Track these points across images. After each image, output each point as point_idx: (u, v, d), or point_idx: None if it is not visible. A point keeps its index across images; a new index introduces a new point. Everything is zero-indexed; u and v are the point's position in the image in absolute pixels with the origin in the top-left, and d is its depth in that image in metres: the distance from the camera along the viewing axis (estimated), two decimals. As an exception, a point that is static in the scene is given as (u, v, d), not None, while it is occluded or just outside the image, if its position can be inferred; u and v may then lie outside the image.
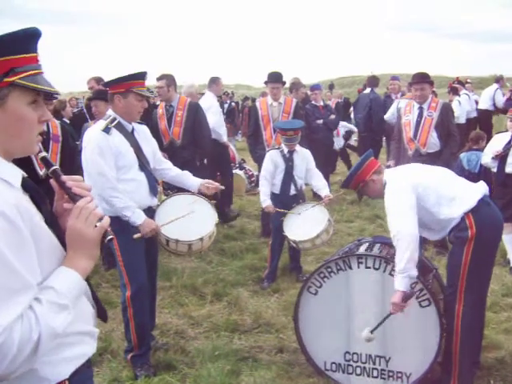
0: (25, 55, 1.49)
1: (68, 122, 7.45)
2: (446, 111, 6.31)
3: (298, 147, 5.78)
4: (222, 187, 4.21)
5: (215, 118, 7.68)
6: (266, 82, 7.24)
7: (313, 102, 9.41)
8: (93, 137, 3.77)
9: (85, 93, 9.69)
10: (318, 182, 5.80)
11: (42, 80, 1.53)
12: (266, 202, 5.72)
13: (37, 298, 1.43)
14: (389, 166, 5.54)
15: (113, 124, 3.79)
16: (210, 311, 5.04)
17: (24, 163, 1.68)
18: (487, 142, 6.52)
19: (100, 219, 1.57)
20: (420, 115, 6.23)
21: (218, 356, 4.12)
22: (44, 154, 1.65)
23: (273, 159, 5.77)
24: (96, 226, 1.55)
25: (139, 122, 4.08)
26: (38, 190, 1.61)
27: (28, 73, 1.49)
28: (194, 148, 6.78)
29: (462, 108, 12.00)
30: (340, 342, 3.81)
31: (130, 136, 3.87)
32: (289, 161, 5.74)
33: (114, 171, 3.74)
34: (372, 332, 3.54)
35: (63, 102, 7.71)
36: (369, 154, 3.94)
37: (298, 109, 7.36)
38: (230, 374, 3.88)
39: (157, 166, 4.13)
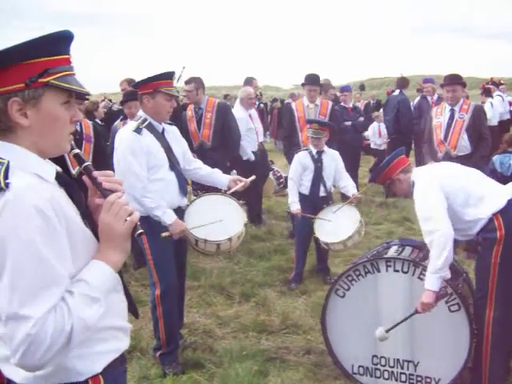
0: (58, 57, 1.54)
1: (100, 122, 7.58)
2: (478, 114, 6.20)
3: (326, 148, 5.78)
4: (250, 179, 4.19)
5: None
6: (303, 84, 7.22)
7: (342, 104, 9.38)
8: (124, 137, 3.83)
9: (117, 94, 9.83)
10: (347, 182, 5.77)
11: (74, 81, 1.57)
12: (294, 205, 5.71)
13: (69, 290, 1.47)
14: None
15: (144, 125, 3.85)
16: (238, 311, 5.07)
17: (57, 162, 1.73)
18: None
19: (130, 214, 1.59)
20: (451, 117, 6.16)
21: (245, 356, 4.14)
22: (77, 150, 1.69)
23: (301, 161, 5.76)
24: (126, 221, 1.58)
25: (169, 123, 4.13)
26: (73, 184, 1.65)
27: (61, 74, 1.53)
28: (224, 149, 6.82)
29: (495, 110, 11.78)
30: (368, 346, 3.79)
31: (160, 136, 3.92)
32: (318, 162, 5.72)
33: (145, 171, 3.79)
34: (387, 332, 3.50)
35: (96, 103, 7.85)
36: (400, 151, 3.91)
37: (335, 111, 7.34)
38: (257, 374, 3.89)
39: (187, 167, 4.17)
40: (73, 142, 1.68)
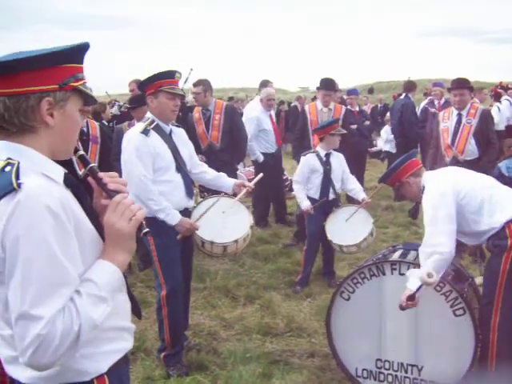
0: (80, 65, 1.62)
1: (106, 123, 7.61)
2: (486, 118, 6.18)
3: (333, 150, 5.79)
4: (257, 179, 4.21)
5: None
6: (318, 88, 7.24)
7: (348, 107, 9.39)
8: (132, 139, 3.85)
9: (125, 95, 9.87)
10: (354, 185, 5.82)
11: (88, 89, 1.65)
12: (304, 203, 5.70)
13: (77, 290, 1.49)
14: None
15: (151, 126, 3.86)
16: (243, 313, 5.07)
17: (64, 163, 1.76)
18: None
19: (135, 214, 1.61)
20: (458, 122, 6.14)
21: (249, 358, 4.15)
22: (82, 152, 1.72)
23: (310, 163, 5.75)
24: (131, 220, 1.60)
25: (177, 125, 4.15)
26: (79, 185, 1.67)
27: (84, 81, 1.62)
28: (233, 151, 6.85)
29: (502, 114, 11.71)
30: (372, 349, 3.78)
31: (167, 138, 3.94)
32: (326, 164, 5.72)
33: (151, 173, 3.80)
34: None
35: (103, 105, 7.89)
36: (412, 154, 3.90)
37: (348, 115, 7.34)
38: (261, 376, 3.90)
39: (193, 170, 4.18)
40: (80, 143, 1.71)
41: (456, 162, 5.96)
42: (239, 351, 4.25)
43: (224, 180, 4.21)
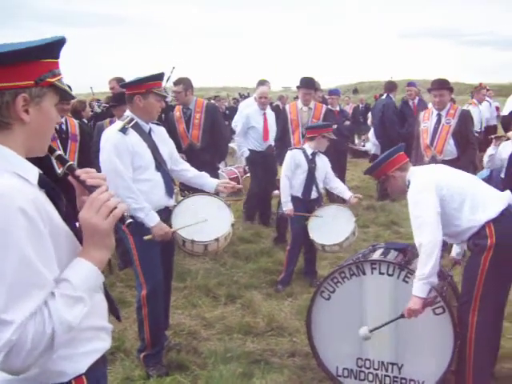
0: (57, 60, 1.59)
1: (86, 121, 7.53)
2: (465, 119, 6.25)
3: (318, 151, 5.82)
4: (240, 186, 4.22)
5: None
6: (298, 87, 7.24)
7: (329, 107, 9.41)
8: (110, 137, 3.81)
9: (105, 93, 9.77)
10: (339, 184, 5.89)
11: (64, 84, 1.62)
12: (287, 204, 5.71)
13: (51, 292, 1.45)
14: None
15: (130, 124, 3.83)
16: (223, 313, 5.06)
17: (43, 162, 1.73)
18: None
19: (114, 209, 1.56)
20: (438, 122, 6.20)
21: (230, 358, 4.13)
22: (59, 152, 1.69)
23: (295, 158, 5.76)
24: (108, 217, 1.55)
25: (156, 123, 4.12)
26: (54, 186, 1.64)
27: (60, 76, 1.58)
28: (214, 150, 6.81)
29: (482, 115, 11.85)
30: (352, 348, 3.79)
31: (146, 136, 3.91)
32: (312, 162, 5.74)
33: (130, 171, 3.77)
34: (371, 332, 3.48)
35: (83, 103, 7.82)
36: (399, 148, 3.91)
37: (328, 114, 7.35)
38: (241, 376, 3.88)
39: (174, 167, 4.16)
40: (59, 142, 1.68)
41: (435, 162, 6.00)
42: (220, 351, 4.24)
43: (206, 180, 4.20)
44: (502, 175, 5.95)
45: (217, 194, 4.20)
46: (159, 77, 3.97)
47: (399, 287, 3.60)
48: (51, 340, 1.41)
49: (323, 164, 5.84)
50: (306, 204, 5.74)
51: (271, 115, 8.06)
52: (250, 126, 7.77)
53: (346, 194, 5.69)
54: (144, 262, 3.90)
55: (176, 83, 6.73)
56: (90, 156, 5.18)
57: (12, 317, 1.36)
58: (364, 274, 3.72)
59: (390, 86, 10.34)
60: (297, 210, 5.68)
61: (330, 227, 5.40)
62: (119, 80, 6.91)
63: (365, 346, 3.74)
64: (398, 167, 3.76)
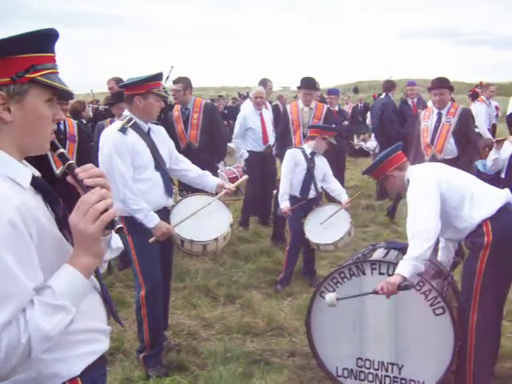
0: (44, 54, 1.51)
1: (85, 122, 7.52)
2: (466, 117, 6.22)
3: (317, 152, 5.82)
4: (235, 185, 4.19)
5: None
6: (298, 87, 7.21)
7: (327, 106, 9.40)
8: (109, 137, 3.79)
9: (103, 94, 9.74)
10: (336, 186, 5.88)
11: (57, 79, 1.55)
12: (284, 202, 5.71)
13: (31, 300, 1.40)
14: None
15: (129, 124, 3.82)
16: (223, 313, 5.04)
17: (41, 162, 1.70)
18: None
19: (103, 212, 1.47)
20: (438, 121, 6.18)
21: (229, 358, 4.12)
22: (61, 150, 1.63)
23: (295, 156, 5.77)
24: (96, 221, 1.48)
25: (155, 123, 4.11)
26: (51, 189, 1.60)
27: (47, 71, 1.51)
28: (212, 150, 6.79)
29: (490, 111, 11.80)
30: (352, 348, 3.78)
31: (146, 136, 3.89)
32: (311, 162, 5.74)
33: (130, 171, 3.76)
34: (338, 300, 3.43)
35: (83, 103, 7.81)
36: (397, 147, 3.90)
37: (329, 115, 7.32)
38: (241, 376, 3.87)
39: (175, 166, 4.15)
40: (56, 141, 1.63)
41: (435, 160, 5.98)
42: (219, 351, 4.22)
43: (208, 179, 4.18)
44: (503, 175, 5.95)
45: (216, 194, 4.19)
46: (158, 77, 3.96)
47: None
48: (28, 349, 1.37)
49: (322, 164, 5.84)
50: (304, 203, 5.73)
51: (268, 114, 8.00)
52: (248, 127, 7.73)
53: (343, 197, 5.70)
54: (143, 262, 3.89)
55: (175, 82, 6.71)
56: (89, 157, 5.17)
57: None
58: (364, 274, 3.71)
59: (389, 86, 10.33)
60: (294, 209, 5.68)
61: (326, 227, 5.40)
62: (118, 80, 6.90)
63: (365, 346, 3.72)
64: (397, 167, 3.75)
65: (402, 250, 3.92)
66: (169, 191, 4.01)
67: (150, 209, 3.78)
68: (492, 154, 5.95)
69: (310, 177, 5.74)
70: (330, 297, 3.45)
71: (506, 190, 3.65)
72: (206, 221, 4.00)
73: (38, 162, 1.64)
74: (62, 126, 5.10)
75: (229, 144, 8.68)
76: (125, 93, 3.93)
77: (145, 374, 3.93)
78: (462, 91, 28.05)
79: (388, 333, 3.64)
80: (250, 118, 7.75)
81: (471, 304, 3.43)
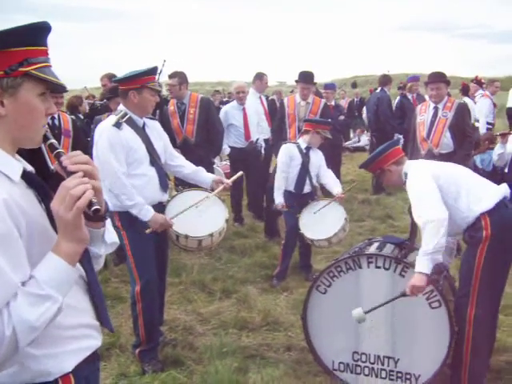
0: (37, 47, 1.51)
1: (82, 117, 7.49)
2: (462, 111, 6.21)
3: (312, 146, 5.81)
4: (234, 178, 4.17)
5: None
6: (296, 81, 7.18)
7: (324, 101, 9.39)
8: (104, 132, 3.78)
9: (99, 89, 9.70)
10: (329, 179, 5.83)
11: (50, 73, 1.54)
12: (279, 198, 5.71)
13: (15, 292, 1.39)
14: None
15: (124, 119, 3.80)
16: (219, 308, 5.04)
17: (36, 157, 1.68)
18: None
19: (80, 197, 1.42)
20: (434, 115, 6.17)
21: (225, 353, 4.11)
22: (52, 140, 1.60)
23: (290, 151, 5.76)
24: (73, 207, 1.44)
25: (150, 118, 4.09)
26: (43, 184, 1.59)
27: (40, 64, 1.50)
28: (208, 145, 6.77)
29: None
30: (348, 342, 3.78)
31: (140, 131, 3.88)
32: (306, 156, 5.72)
33: (124, 167, 3.74)
34: (366, 313, 3.43)
35: (80, 98, 7.80)
36: (395, 142, 3.90)
37: (326, 110, 7.30)
38: (237, 371, 3.86)
39: (170, 162, 4.13)
40: (49, 132, 1.61)
41: (431, 155, 6.00)
42: (215, 346, 4.21)
43: (202, 175, 4.17)
44: (506, 170, 5.95)
45: (212, 190, 4.17)
46: (153, 71, 3.92)
47: (395, 281, 3.58)
48: (14, 340, 1.35)
49: (317, 158, 5.83)
50: (299, 198, 5.72)
51: (252, 108, 7.88)
52: (229, 123, 7.66)
53: (334, 189, 5.64)
54: (137, 257, 3.87)
55: (171, 76, 6.67)
56: (85, 152, 5.14)
57: None
58: (360, 267, 3.70)
59: (385, 80, 10.32)
60: (290, 205, 5.67)
61: (321, 222, 5.39)
62: (111, 77, 6.86)
63: (361, 339, 3.72)
64: (394, 161, 3.75)
65: (399, 244, 3.93)
66: (164, 186, 3.99)
67: (144, 203, 3.76)
68: (498, 149, 5.95)
69: (304, 172, 5.73)
70: (357, 313, 3.44)
71: (504, 184, 3.64)
72: (201, 216, 3.99)
73: (33, 156, 1.63)
74: (56, 122, 5.08)
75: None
76: (119, 87, 3.91)
77: (140, 369, 3.93)
78: (459, 86, 28.02)
79: (384, 326, 3.64)
80: (231, 114, 7.70)
81: (469, 298, 3.43)
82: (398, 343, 3.65)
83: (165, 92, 8.43)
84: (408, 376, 3.66)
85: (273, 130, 7.66)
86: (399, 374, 3.68)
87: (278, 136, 7.18)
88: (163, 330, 4.42)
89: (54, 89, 1.60)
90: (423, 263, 3.32)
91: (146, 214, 3.76)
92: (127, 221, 3.72)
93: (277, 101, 9.97)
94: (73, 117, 6.17)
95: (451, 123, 6.09)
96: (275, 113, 7.87)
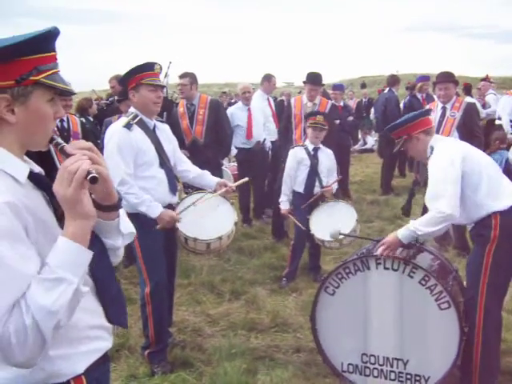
0: (47, 54, 1.52)
1: (92, 119, 7.53)
2: (470, 112, 6.19)
3: (321, 145, 5.79)
4: (233, 185, 4.17)
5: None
6: (304, 82, 7.19)
7: (332, 101, 9.37)
8: (114, 133, 3.80)
9: (105, 91, 9.76)
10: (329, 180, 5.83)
11: (59, 78, 1.56)
12: (284, 203, 5.74)
13: (30, 282, 1.40)
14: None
15: (134, 121, 3.81)
16: (228, 309, 5.05)
17: (44, 160, 1.70)
18: None
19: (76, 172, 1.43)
20: (443, 115, 6.15)
21: (234, 354, 4.12)
22: (57, 139, 1.60)
23: (297, 155, 5.76)
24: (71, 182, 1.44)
25: (161, 121, 4.10)
26: (51, 185, 1.58)
27: (50, 72, 1.52)
28: (217, 146, 6.79)
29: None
30: (357, 344, 3.77)
31: (151, 133, 3.89)
32: (314, 158, 5.72)
33: (130, 168, 3.75)
34: (341, 235, 3.92)
35: (90, 100, 7.85)
36: (427, 111, 3.85)
37: (333, 110, 7.28)
38: (246, 372, 3.87)
39: (177, 167, 4.14)
40: (56, 133, 1.63)
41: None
42: (224, 347, 4.22)
43: (207, 178, 4.18)
44: None
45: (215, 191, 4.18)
46: (147, 67, 3.80)
47: (404, 282, 3.57)
48: (37, 329, 1.37)
49: (327, 158, 5.80)
50: (309, 199, 5.71)
51: (258, 109, 7.92)
52: (235, 125, 7.69)
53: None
54: (147, 259, 3.89)
55: (182, 76, 6.70)
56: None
57: None
58: (369, 269, 3.70)
59: (393, 80, 10.31)
60: (299, 206, 5.67)
61: (332, 223, 5.37)
62: (119, 78, 6.90)
63: (370, 341, 3.72)
64: (424, 130, 3.68)
65: (407, 245, 3.91)
66: (173, 188, 4.01)
67: (151, 199, 3.76)
68: None
69: (313, 173, 5.72)
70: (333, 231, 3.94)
71: None
72: (210, 219, 4.00)
73: (41, 158, 1.64)
74: (65, 124, 5.12)
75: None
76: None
77: (150, 370, 3.94)
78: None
79: (393, 328, 3.63)
80: (236, 115, 7.74)
81: (478, 300, 3.42)
82: (406, 345, 3.64)
83: (171, 94, 8.44)
84: (417, 378, 3.64)
85: (279, 131, 7.66)
86: (408, 376, 3.67)
87: (285, 137, 7.18)
88: (172, 331, 4.44)
89: (62, 93, 1.62)
90: (406, 234, 3.51)
91: (155, 210, 3.77)
92: (137, 222, 3.72)
93: (285, 101, 9.97)
94: (82, 119, 6.22)
95: (459, 123, 6.07)
96: (283, 113, 7.88)
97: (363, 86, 24.92)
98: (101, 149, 4.77)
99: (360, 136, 16.15)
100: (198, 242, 3.97)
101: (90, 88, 12.36)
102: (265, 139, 7.84)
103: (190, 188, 5.56)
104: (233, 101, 17.06)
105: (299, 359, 4.17)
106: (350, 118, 9.65)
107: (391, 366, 3.70)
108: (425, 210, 3.78)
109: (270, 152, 7.90)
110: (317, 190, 5.76)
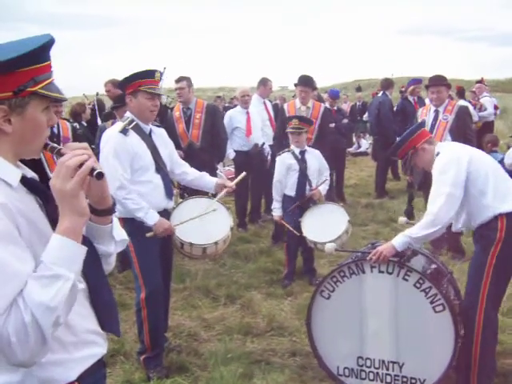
0: (43, 64, 1.53)
1: (85, 124, 7.52)
2: (463, 115, 6.22)
3: (307, 147, 5.82)
4: (238, 179, 4.16)
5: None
6: (295, 85, 7.20)
7: (326, 104, 9.40)
8: (110, 138, 3.80)
9: (101, 95, 9.72)
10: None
11: (54, 88, 1.57)
12: (276, 211, 5.79)
13: (27, 280, 1.41)
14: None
15: (130, 126, 3.81)
16: (223, 314, 5.04)
17: (35, 167, 1.71)
18: None
19: (79, 167, 1.45)
20: (435, 118, 6.18)
21: (230, 359, 4.12)
22: (50, 144, 1.62)
23: (285, 161, 5.77)
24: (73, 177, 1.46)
25: (157, 125, 4.10)
26: (44, 189, 1.61)
27: (46, 82, 1.54)
28: (213, 150, 6.81)
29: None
30: (353, 347, 3.78)
31: (147, 138, 3.88)
32: (302, 162, 5.73)
33: (128, 173, 3.75)
34: (336, 250, 4.02)
35: (83, 105, 7.84)
36: (421, 124, 3.88)
37: (327, 114, 7.29)
38: (242, 377, 3.87)
39: (175, 170, 4.14)
40: (48, 140, 1.64)
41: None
42: (220, 352, 4.22)
43: (205, 180, 4.17)
44: None
45: (216, 194, 4.18)
46: (148, 74, 3.80)
47: (399, 285, 3.58)
48: (36, 326, 1.37)
49: (315, 159, 5.81)
50: (301, 203, 5.71)
51: (256, 113, 7.95)
52: (234, 127, 7.73)
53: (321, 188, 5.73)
54: (143, 264, 3.88)
55: (179, 80, 6.75)
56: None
57: None
58: (364, 272, 3.70)
59: (387, 84, 10.35)
60: (291, 210, 5.68)
61: (324, 225, 5.38)
62: (114, 82, 6.90)
63: (365, 344, 3.72)
64: (426, 140, 3.73)
65: (401, 253, 3.93)
66: (169, 194, 4.00)
67: (149, 207, 3.77)
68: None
69: (303, 176, 5.73)
70: (330, 246, 3.99)
71: None
72: (206, 224, 3.99)
73: (33, 167, 1.66)
74: (55, 130, 5.12)
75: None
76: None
77: (145, 375, 3.93)
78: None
79: (388, 331, 3.64)
80: (236, 118, 7.78)
81: (478, 301, 3.43)
82: (402, 348, 3.65)
83: (164, 99, 8.45)
84: (413, 381, 3.65)
85: (274, 136, 7.66)
86: (404, 379, 3.67)
87: (279, 142, 7.18)
88: (168, 336, 4.42)
89: (55, 100, 1.63)
90: (401, 240, 3.53)
91: (152, 217, 3.77)
92: (132, 227, 3.73)
93: (279, 104, 9.99)
94: (75, 124, 6.21)
95: (452, 126, 6.09)
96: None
97: (358, 89, 24.96)
98: (96, 154, 4.78)
99: (354, 139, 16.19)
100: (194, 246, 3.97)
101: (81, 92, 12.28)
102: (263, 143, 7.85)
103: (186, 193, 5.57)
104: (227, 105, 17.08)
105: (295, 363, 4.17)
106: (345, 121, 9.67)
107: (387, 369, 3.71)
108: None
109: (269, 157, 7.91)
110: (308, 193, 5.78)
